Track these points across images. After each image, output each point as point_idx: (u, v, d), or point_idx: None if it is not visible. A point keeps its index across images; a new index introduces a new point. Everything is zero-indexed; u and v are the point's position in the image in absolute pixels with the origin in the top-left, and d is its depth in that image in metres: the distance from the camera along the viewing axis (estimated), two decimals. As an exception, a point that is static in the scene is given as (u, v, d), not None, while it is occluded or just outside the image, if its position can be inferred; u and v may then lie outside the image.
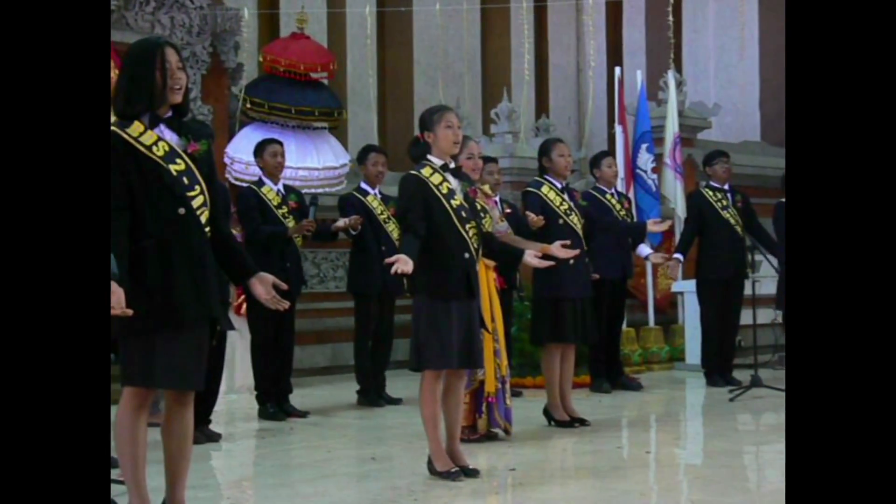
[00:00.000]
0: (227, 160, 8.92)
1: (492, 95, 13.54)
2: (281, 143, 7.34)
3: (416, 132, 5.27)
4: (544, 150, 6.88)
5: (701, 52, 14.54)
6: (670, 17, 10.27)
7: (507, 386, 6.19)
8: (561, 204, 6.72)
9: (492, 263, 6.16)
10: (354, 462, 5.73)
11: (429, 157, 5.14)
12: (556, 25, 15.33)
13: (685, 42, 14.50)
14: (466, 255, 5.03)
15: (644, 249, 8.58)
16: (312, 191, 8.77)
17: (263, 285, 3.91)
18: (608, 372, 8.66)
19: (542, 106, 14.91)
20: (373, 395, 7.79)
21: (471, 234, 5.09)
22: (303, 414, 7.24)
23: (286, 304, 3.98)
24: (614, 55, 15.09)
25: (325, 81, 9.99)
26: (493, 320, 6.08)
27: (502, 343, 6.15)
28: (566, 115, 15.15)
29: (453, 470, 4.98)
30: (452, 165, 5.19)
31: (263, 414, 7.17)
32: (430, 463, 5.07)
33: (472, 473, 5.04)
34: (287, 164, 8.50)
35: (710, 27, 14.49)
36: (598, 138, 14.11)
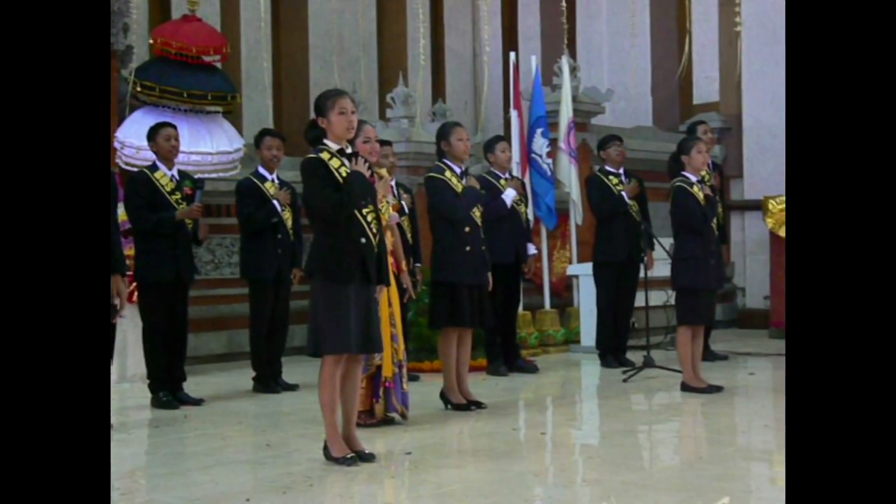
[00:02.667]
0: (116, 145, 8.73)
1: (388, 80, 13.48)
2: (175, 127, 7.21)
3: (312, 116, 5.23)
4: (443, 134, 6.87)
5: (594, 37, 14.69)
6: (563, 3, 10.33)
7: (404, 370, 6.20)
8: (461, 190, 6.74)
9: (388, 248, 6.14)
10: (250, 449, 5.66)
11: (325, 141, 5.11)
12: (452, 10, 15.34)
13: (579, 28, 14.63)
14: (363, 240, 5.01)
15: (531, 248, 8.71)
16: (203, 176, 8.63)
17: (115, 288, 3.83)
18: (505, 355, 8.72)
19: (438, 91, 14.91)
20: (269, 381, 7.73)
21: (369, 218, 5.07)
22: (197, 402, 7.14)
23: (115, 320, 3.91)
24: (510, 40, 15.15)
25: (219, 65, 9.84)
26: (389, 305, 6.07)
27: (399, 328, 6.15)
28: (462, 99, 15.18)
29: (349, 455, 4.97)
30: (349, 150, 5.15)
31: (156, 402, 7.05)
32: (325, 449, 5.05)
33: (368, 458, 5.03)
34: (180, 148, 8.38)
35: (603, 13, 14.64)
36: (494, 123, 14.15)
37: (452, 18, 15.35)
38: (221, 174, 9.03)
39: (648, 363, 8.26)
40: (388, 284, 5.27)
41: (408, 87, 11.09)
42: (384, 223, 6.08)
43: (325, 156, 5.04)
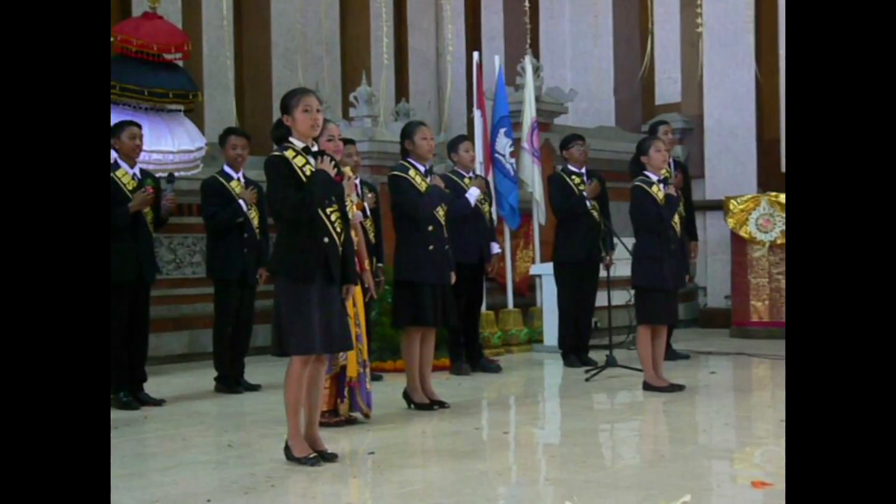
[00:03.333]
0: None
1: (351, 79, 13.45)
2: (139, 126, 7.17)
3: (277, 115, 5.22)
4: (407, 133, 6.87)
5: (557, 38, 14.72)
6: (526, 3, 10.38)
7: (368, 370, 6.18)
8: (425, 189, 6.73)
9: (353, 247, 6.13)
10: (211, 449, 5.63)
11: (290, 139, 5.09)
12: (416, 10, 15.32)
13: (542, 28, 14.66)
14: (326, 240, 4.99)
15: (494, 247, 8.72)
16: (162, 175, 8.58)
17: None
18: (468, 354, 8.73)
19: (402, 90, 14.89)
20: (231, 381, 7.68)
21: (332, 217, 5.05)
22: (158, 402, 7.09)
23: None
24: (473, 40, 15.16)
25: (181, 63, 9.77)
26: (354, 305, 6.05)
27: (363, 327, 6.14)
28: (426, 99, 15.17)
29: (311, 456, 4.95)
30: (315, 148, 5.13)
31: (116, 403, 6.96)
32: (287, 449, 5.03)
33: (330, 458, 5.01)
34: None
35: (566, 14, 14.68)
36: (458, 123, 14.15)
37: (416, 18, 15.35)
38: (183, 173, 8.96)
39: (611, 363, 8.30)
40: (354, 283, 5.24)
41: (371, 86, 11.07)
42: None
43: (289, 154, 5.02)
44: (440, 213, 6.76)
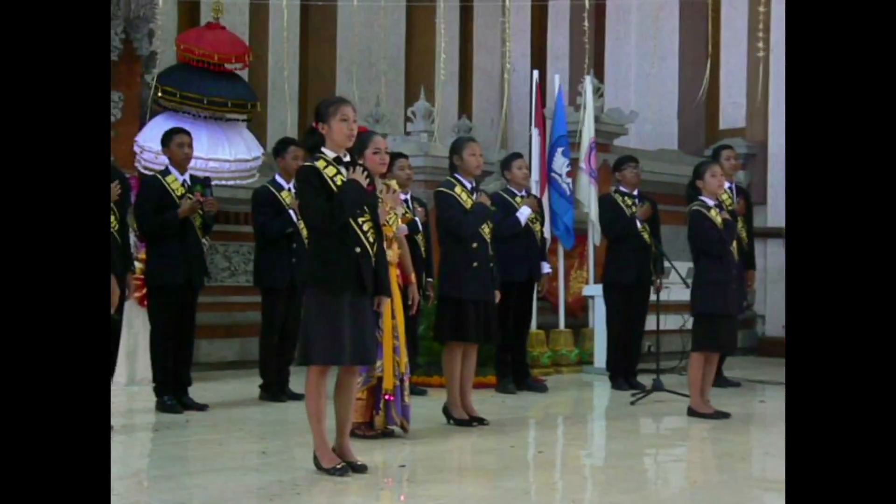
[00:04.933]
0: (136, 149, 8.79)
1: (414, 95, 13.51)
2: (189, 134, 7.25)
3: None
4: (455, 149, 6.88)
5: (622, 59, 14.67)
6: (586, 22, 10.29)
7: (406, 383, 6.18)
8: (471, 206, 6.73)
9: (395, 259, 6.15)
10: (245, 456, 5.65)
11: (323, 149, 5.11)
12: (482, 28, 15.36)
13: (607, 49, 14.63)
14: (358, 250, 5.00)
15: (545, 267, 8.69)
16: (220, 183, 8.68)
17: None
18: (515, 373, 8.69)
19: (465, 107, 14.94)
20: (276, 389, 7.73)
21: (365, 227, 5.06)
22: (201, 407, 7.16)
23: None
24: (539, 59, 15.16)
25: (245, 73, 9.89)
26: (393, 317, 6.07)
27: (402, 340, 6.14)
28: (489, 116, 15.18)
29: (339, 466, 4.95)
30: (347, 159, 5.15)
31: (161, 406, 7.07)
32: (315, 459, 5.03)
33: (360, 469, 5.01)
34: (198, 155, 8.43)
35: (632, 35, 14.62)
36: (521, 142, 14.14)
37: (482, 36, 15.38)
38: (239, 182, 9.08)
39: (657, 387, 8.20)
40: (387, 295, 5.25)
41: (430, 101, 11.10)
42: (391, 234, 6.10)
43: (320, 164, 5.04)
44: (485, 230, 6.75)
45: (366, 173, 5.14)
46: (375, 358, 5.36)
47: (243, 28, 12.18)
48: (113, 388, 8.19)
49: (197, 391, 7.80)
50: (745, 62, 13.21)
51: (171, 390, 7.12)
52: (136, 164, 8.81)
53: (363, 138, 6.07)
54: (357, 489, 4.74)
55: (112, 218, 6.13)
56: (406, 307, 6.26)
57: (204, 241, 7.51)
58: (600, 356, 10.01)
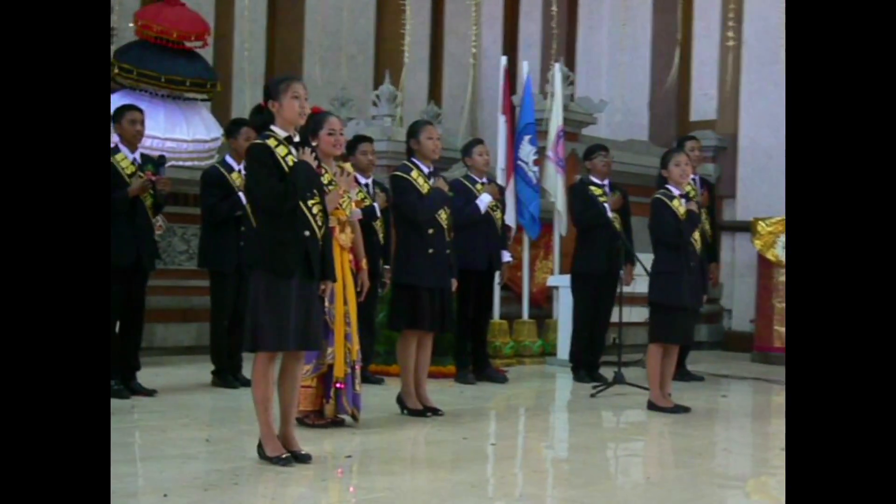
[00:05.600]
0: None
1: (382, 80, 13.32)
2: (141, 111, 7.03)
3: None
4: (412, 132, 6.70)
5: (594, 48, 14.52)
6: (554, 7, 10.20)
7: (358, 371, 6.01)
8: (427, 191, 6.56)
9: (347, 244, 5.97)
10: (186, 443, 5.46)
11: (272, 127, 4.93)
12: (453, 14, 15.17)
13: (579, 37, 14.48)
14: (307, 233, 4.83)
15: (505, 256, 8.55)
16: (177, 163, 8.48)
17: None
18: (474, 363, 8.55)
19: (434, 94, 14.76)
20: (227, 375, 7.55)
21: (314, 210, 4.89)
22: (149, 392, 6.97)
23: None
24: (511, 47, 14.99)
25: (210, 53, 9.67)
26: (345, 303, 5.90)
27: (354, 327, 5.97)
28: (458, 104, 14.98)
29: (284, 455, 4.78)
30: (297, 138, 4.98)
31: (107, 391, 6.87)
32: (259, 447, 4.87)
33: (303, 459, 4.85)
34: (155, 134, 8.26)
35: (604, 23, 14.47)
36: (490, 130, 13.95)
37: (453, 22, 15.18)
38: (197, 163, 8.86)
39: (619, 379, 8.07)
40: (332, 280, 5.07)
41: (395, 86, 10.91)
42: (343, 218, 5.93)
43: (271, 142, 4.87)
44: (442, 216, 6.58)
45: (314, 154, 4.97)
46: (321, 344, 5.19)
47: (209, 7, 11.95)
48: (62, 371, 8.07)
49: (149, 376, 7.61)
50: (718, 54, 13.07)
51: (119, 375, 6.92)
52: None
53: (317, 119, 5.92)
54: (299, 480, 4.58)
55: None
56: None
57: (159, 221, 7.31)
58: (563, 348, 9.87)
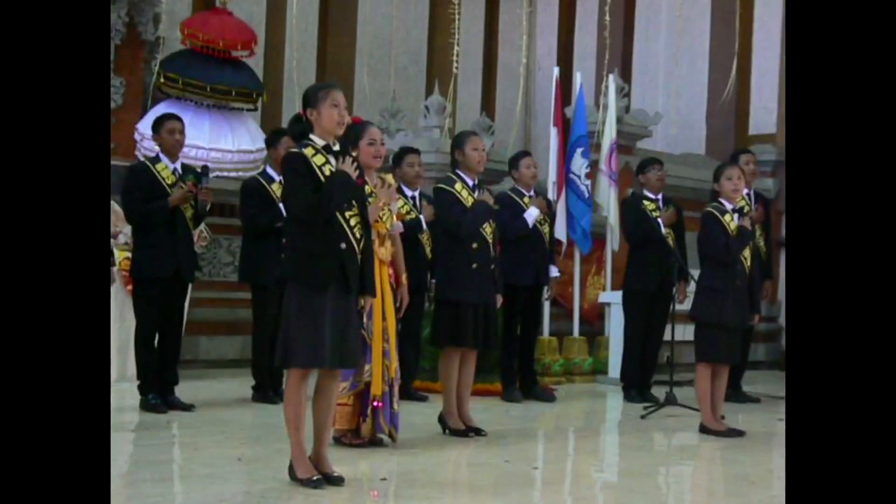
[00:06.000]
0: (137, 136, 8.48)
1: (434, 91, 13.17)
2: (180, 120, 6.91)
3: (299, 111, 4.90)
4: (457, 143, 6.52)
5: (651, 60, 14.23)
6: (607, 17, 9.94)
7: (396, 389, 5.83)
8: (472, 204, 6.37)
9: (387, 258, 5.79)
10: (218, 462, 5.29)
11: (311, 136, 4.77)
12: (507, 24, 14.97)
13: (636, 49, 14.20)
14: (343, 245, 4.66)
15: (553, 271, 8.32)
16: (223, 174, 8.37)
17: None
18: (521, 381, 8.32)
19: (488, 105, 14.55)
20: (268, 391, 7.39)
21: (352, 222, 4.72)
22: (187, 407, 6.83)
23: None
24: (565, 58, 14.74)
25: (260, 63, 9.56)
26: (384, 319, 5.72)
27: (392, 343, 5.78)
28: (512, 116, 14.78)
29: (315, 478, 4.60)
30: (336, 148, 4.81)
31: (144, 405, 6.75)
32: (290, 468, 4.69)
33: (335, 481, 4.66)
34: (199, 144, 8.15)
35: (661, 35, 14.17)
36: (543, 142, 13.73)
37: (507, 32, 14.98)
38: (242, 174, 8.73)
39: (670, 400, 7.80)
40: (373, 295, 4.89)
41: (445, 97, 10.72)
42: (384, 231, 5.75)
43: (308, 151, 4.70)
44: (487, 230, 6.37)
45: (355, 164, 4.79)
46: (359, 361, 5.02)
47: (260, 17, 11.86)
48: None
49: (190, 390, 7.50)
50: (778, 66, 12.73)
51: (156, 389, 6.79)
52: (137, 153, 8.50)
53: (357, 128, 5.76)
54: (327, 503, 4.38)
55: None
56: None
57: (203, 232, 7.19)
58: (615, 366, 9.61)
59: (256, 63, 11.43)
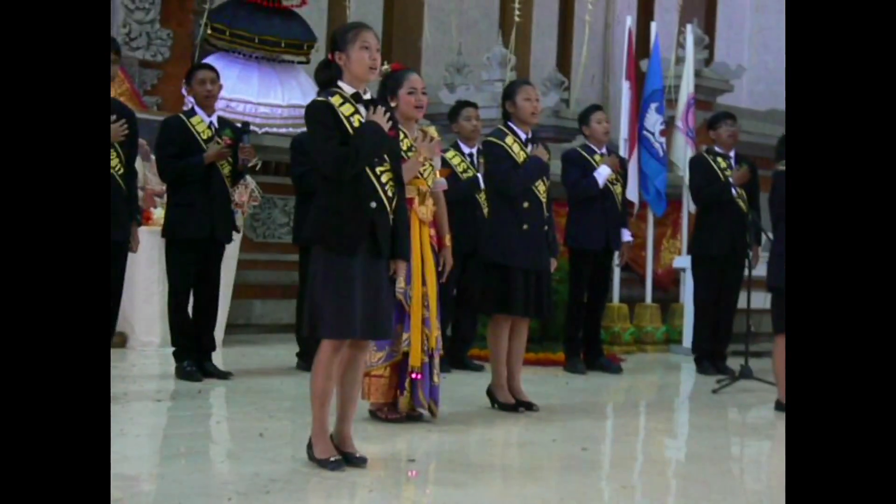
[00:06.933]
0: (184, 91, 8.09)
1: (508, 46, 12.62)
2: (213, 69, 6.50)
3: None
4: (508, 94, 5.99)
5: (736, 12, 13.48)
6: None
7: (437, 360, 5.37)
8: (524, 159, 5.85)
9: (428, 217, 5.33)
10: (237, 437, 4.92)
11: (339, 83, 4.30)
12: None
13: (721, 1, 13.45)
14: (373, 204, 4.19)
15: (625, 234, 7.80)
16: (271, 130, 7.97)
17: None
18: (586, 351, 7.82)
19: (563, 61, 13.94)
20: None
21: (384, 179, 4.24)
22: (224, 375, 6.46)
23: None
24: (646, 13, 14.06)
25: (323, 15, 9.11)
26: (424, 284, 5.27)
27: (433, 311, 5.32)
28: (589, 72, 14.15)
29: (333, 459, 4.17)
30: (367, 96, 4.33)
31: (179, 373, 6.40)
32: (309, 447, 4.27)
33: (358, 463, 4.23)
34: (247, 99, 7.80)
35: (747, -15, 13.43)
36: (620, 100, 13.12)
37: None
38: (292, 129, 8.30)
39: (745, 373, 7.22)
40: (405, 259, 4.42)
41: (527, 54, 10.14)
42: (425, 189, 5.30)
43: (335, 100, 4.23)
44: (540, 188, 5.85)
45: (388, 114, 4.30)
46: (392, 332, 4.56)
47: (323, -30, 11.42)
48: (146, 349, 7.66)
49: (235, 357, 7.18)
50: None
51: (194, 355, 6.43)
52: (184, 108, 8.12)
53: (397, 76, 5.35)
54: (342, 489, 3.94)
55: (116, 160, 5.40)
56: (438, 274, 5.43)
57: (255, 192, 6.83)
58: (689, 335, 9.03)
59: (320, 16, 11.02)
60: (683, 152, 9.46)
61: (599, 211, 7.57)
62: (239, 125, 6.55)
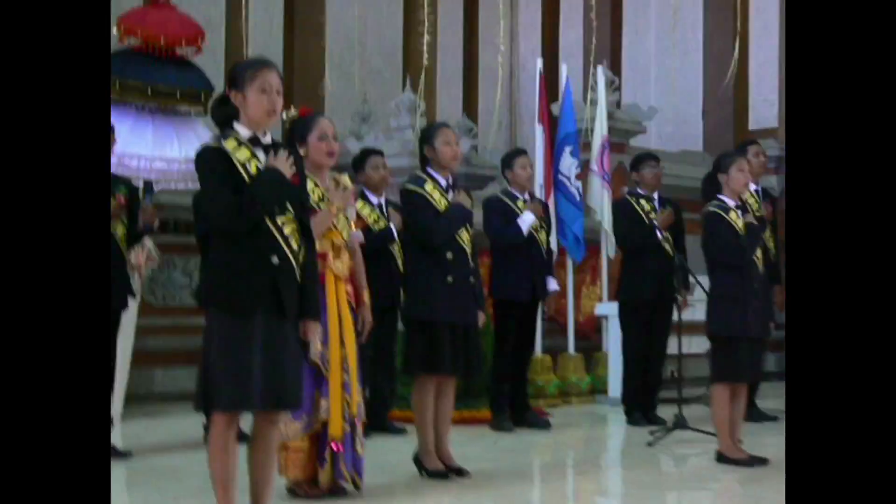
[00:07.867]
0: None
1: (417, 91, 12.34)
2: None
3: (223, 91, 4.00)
4: (426, 138, 5.60)
5: (642, 54, 13.41)
6: (593, 14, 9.16)
7: (359, 428, 4.91)
8: (446, 207, 5.46)
9: (344, 273, 4.90)
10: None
11: (235, 124, 3.86)
12: (488, 24, 14.13)
13: (625, 44, 13.42)
14: (275, 259, 3.74)
15: (551, 284, 7.52)
16: (167, 186, 7.49)
17: None
18: (513, 407, 7.43)
19: (470, 108, 13.71)
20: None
21: (286, 231, 3.80)
22: (123, 454, 5.92)
23: None
24: (550, 57, 13.90)
25: (214, 61, 8.66)
26: (342, 345, 4.82)
27: (353, 374, 4.87)
28: (496, 118, 13.94)
29: (246, 546, 3.69)
30: (267, 140, 3.90)
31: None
32: (215, 541, 3.77)
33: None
34: (142, 153, 7.30)
35: (651, 27, 13.36)
36: (531, 145, 12.88)
37: (488, 33, 14.13)
38: (191, 185, 7.79)
39: (680, 423, 6.90)
40: (316, 319, 3.97)
41: (417, 94, 9.85)
42: (340, 242, 4.89)
43: (230, 144, 3.79)
44: (464, 236, 5.46)
45: (291, 159, 3.87)
46: (301, 401, 4.08)
47: (220, 19, 11.02)
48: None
49: (136, 431, 6.67)
50: (778, 55, 11.90)
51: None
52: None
53: (306, 121, 4.98)
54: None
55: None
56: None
57: (151, 252, 6.35)
58: (615, 384, 8.73)
59: (217, 66, 10.58)
60: (600, 196, 9.19)
61: (525, 260, 7.23)
62: (140, 184, 6.07)
